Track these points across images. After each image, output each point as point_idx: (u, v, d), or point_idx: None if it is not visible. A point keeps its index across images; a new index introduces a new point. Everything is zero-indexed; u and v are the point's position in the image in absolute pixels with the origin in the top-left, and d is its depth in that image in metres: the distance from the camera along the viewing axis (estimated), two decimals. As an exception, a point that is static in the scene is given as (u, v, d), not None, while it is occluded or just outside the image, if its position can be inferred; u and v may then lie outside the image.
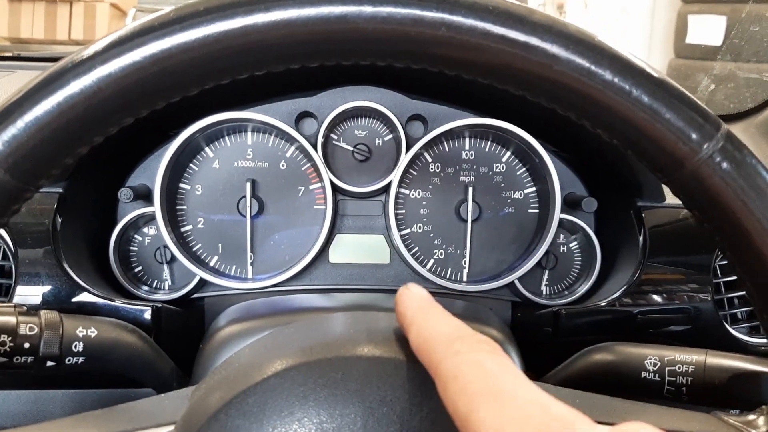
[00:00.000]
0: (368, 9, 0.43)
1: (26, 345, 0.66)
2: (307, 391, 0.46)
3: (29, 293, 0.81)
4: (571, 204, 0.97)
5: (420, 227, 1.00)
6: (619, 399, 0.55)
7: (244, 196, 0.96)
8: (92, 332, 0.69)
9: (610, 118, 0.47)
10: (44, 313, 0.68)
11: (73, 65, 0.44)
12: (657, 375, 0.70)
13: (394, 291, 0.98)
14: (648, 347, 0.72)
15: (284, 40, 0.44)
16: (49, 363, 0.67)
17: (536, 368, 0.79)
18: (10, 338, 0.65)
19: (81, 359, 0.68)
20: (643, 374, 0.70)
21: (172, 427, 0.47)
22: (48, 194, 0.85)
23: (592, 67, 0.45)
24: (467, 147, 0.99)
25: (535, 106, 0.95)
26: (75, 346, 0.68)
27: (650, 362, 0.71)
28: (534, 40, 0.44)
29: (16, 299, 0.80)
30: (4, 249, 0.83)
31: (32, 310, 0.69)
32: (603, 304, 0.87)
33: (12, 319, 0.66)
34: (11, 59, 1.37)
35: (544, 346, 0.91)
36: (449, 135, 0.97)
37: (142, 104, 0.47)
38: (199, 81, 0.47)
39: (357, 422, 0.45)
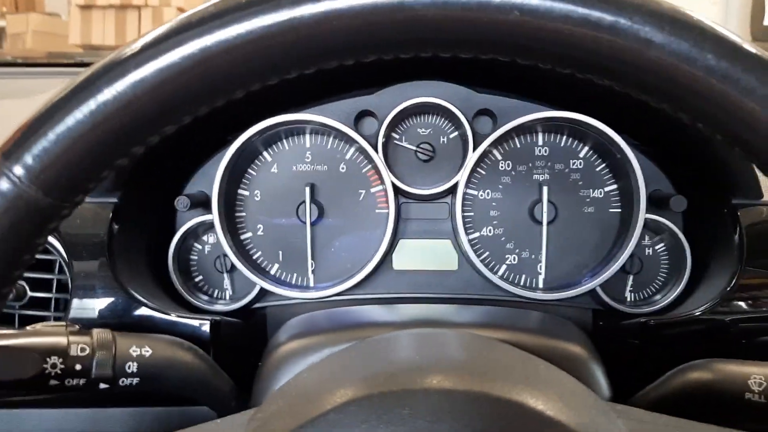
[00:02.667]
0: (427, -6, 0.38)
1: (78, 367, 0.63)
2: (371, 428, 0.41)
3: (84, 307, 0.78)
4: (656, 203, 0.89)
5: (490, 230, 0.93)
6: (725, 429, 0.48)
7: (304, 201, 0.91)
8: (146, 351, 0.66)
9: (715, 110, 0.39)
10: (96, 332, 0.65)
11: (105, 70, 0.40)
12: (763, 396, 0.63)
13: (463, 300, 0.93)
14: (751, 365, 0.64)
15: (335, 33, 0.39)
16: (102, 385, 0.64)
17: (622, 385, 0.72)
18: (61, 360, 0.62)
19: (135, 380, 0.65)
20: (747, 395, 0.63)
21: None
22: (103, 204, 0.82)
23: (694, 51, 0.38)
24: (540, 143, 0.92)
25: (615, 96, 0.87)
26: (129, 367, 0.65)
27: (755, 382, 0.64)
28: (623, 22, 0.38)
29: (72, 314, 0.78)
30: (59, 262, 0.81)
31: (84, 329, 0.66)
32: (698, 313, 0.79)
33: (63, 340, 0.63)
34: (73, 65, 1.37)
35: (630, 359, 0.83)
36: (520, 130, 0.90)
37: (183, 111, 0.42)
38: (243, 82, 0.43)
39: (427, 465, 0.40)
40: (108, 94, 0.39)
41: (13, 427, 0.80)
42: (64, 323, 0.66)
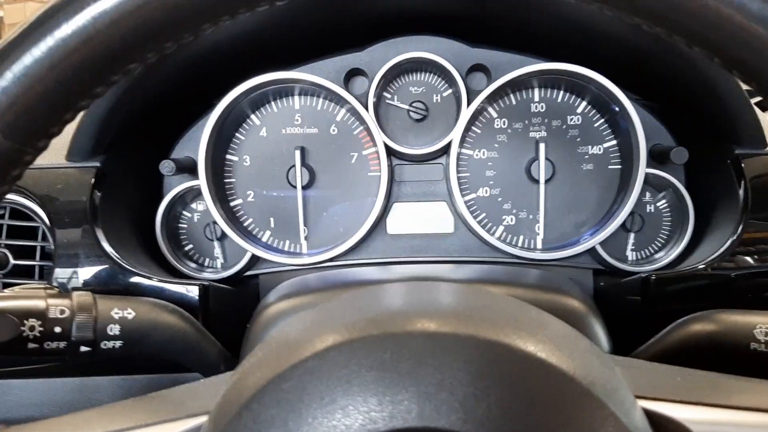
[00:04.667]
0: None
1: (57, 329, 0.61)
2: (351, 374, 0.39)
3: (69, 275, 0.76)
4: (657, 157, 0.86)
5: (486, 191, 0.90)
6: (729, 376, 0.46)
7: (294, 166, 0.89)
8: (129, 314, 0.64)
9: (719, 34, 0.37)
10: (76, 295, 0.63)
11: (63, 3, 0.38)
12: (769, 346, 0.60)
13: (459, 263, 0.91)
14: (756, 314, 0.62)
15: None
16: (83, 348, 0.62)
17: (624, 343, 0.69)
18: (39, 322, 0.60)
19: (118, 344, 0.63)
20: (753, 345, 0.61)
21: (205, 418, 0.42)
22: (85, 169, 0.80)
23: None
24: (536, 98, 0.89)
25: (612, 48, 0.84)
26: (110, 329, 0.63)
27: (761, 331, 0.61)
28: None
29: (56, 282, 0.76)
30: (42, 229, 0.79)
31: (64, 292, 0.64)
32: (701, 266, 0.76)
33: (41, 303, 0.61)
34: None
35: (632, 317, 0.81)
36: (515, 85, 0.87)
37: (146, 47, 0.40)
38: (209, 13, 0.40)
39: (411, 410, 0.37)
40: (66, 29, 0.37)
41: (-1, 398, 0.78)
42: (42, 285, 0.63)
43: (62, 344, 0.61)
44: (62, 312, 0.61)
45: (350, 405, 0.37)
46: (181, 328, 0.66)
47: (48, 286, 0.63)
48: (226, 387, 0.45)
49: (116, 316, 0.63)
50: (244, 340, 0.66)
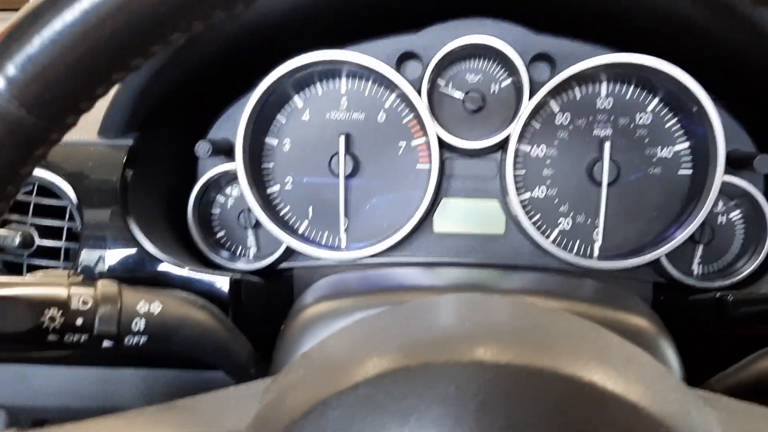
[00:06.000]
0: None
1: (79, 321, 0.56)
2: (408, 408, 0.33)
3: (95, 259, 0.71)
4: (735, 163, 0.78)
5: (543, 191, 0.84)
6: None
7: (337, 153, 0.83)
8: (156, 308, 0.59)
9: None
10: (101, 284, 0.58)
11: None
12: None
13: (510, 267, 0.85)
14: None
15: None
16: (106, 343, 0.57)
17: (690, 369, 0.62)
18: (60, 312, 0.55)
19: (142, 339, 0.58)
20: None
21: None
22: (117, 147, 0.75)
23: None
24: (603, 93, 0.82)
25: (690, 39, 0.77)
26: (135, 324, 0.58)
27: None
28: None
29: (81, 265, 0.71)
30: (70, 209, 0.74)
31: (89, 279, 0.59)
32: None
33: (63, 291, 0.56)
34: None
35: (699, 339, 0.74)
36: (581, 78, 0.80)
37: (192, 13, 0.34)
38: None
39: (478, 456, 0.32)
40: None
41: (18, 384, 0.74)
42: (66, 272, 0.59)
43: (84, 337, 0.56)
44: (85, 303, 0.56)
45: (406, 445, 0.32)
46: (210, 326, 0.61)
47: (72, 272, 0.59)
48: (262, 405, 0.40)
49: (142, 310, 0.58)
50: (278, 341, 0.61)
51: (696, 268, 0.83)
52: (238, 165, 0.80)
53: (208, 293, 0.70)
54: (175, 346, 0.60)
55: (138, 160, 0.76)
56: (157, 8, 0.33)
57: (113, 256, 0.71)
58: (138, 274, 0.70)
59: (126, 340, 0.57)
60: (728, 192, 0.81)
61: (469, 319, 0.44)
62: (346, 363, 0.39)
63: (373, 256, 0.83)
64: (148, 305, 0.58)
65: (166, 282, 0.70)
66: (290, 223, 0.86)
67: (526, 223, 0.81)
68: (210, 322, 0.61)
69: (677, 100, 0.79)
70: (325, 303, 0.61)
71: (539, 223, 0.84)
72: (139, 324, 0.58)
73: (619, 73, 0.80)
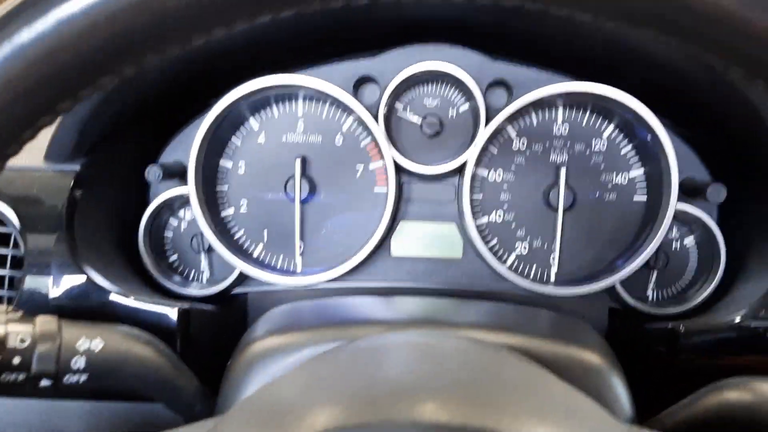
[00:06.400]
0: None
1: (16, 360, 0.54)
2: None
3: (38, 288, 0.69)
4: (689, 191, 0.79)
5: (500, 215, 0.83)
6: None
7: (293, 176, 0.82)
8: (97, 345, 0.57)
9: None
10: (40, 321, 0.56)
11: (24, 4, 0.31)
12: (815, 425, 0.53)
13: (466, 293, 0.84)
14: None
15: None
16: (44, 382, 0.55)
17: (640, 398, 0.62)
18: (-4, 351, 0.53)
19: (83, 377, 0.56)
20: None
21: None
22: (63, 172, 0.72)
23: None
24: (560, 120, 0.82)
25: (645, 69, 0.77)
26: (75, 362, 0.56)
27: (802, 406, 0.54)
28: None
29: (24, 294, 0.69)
30: (15, 235, 0.72)
31: (28, 316, 0.57)
32: (737, 319, 0.69)
33: (0, 329, 0.54)
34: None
35: (651, 367, 0.74)
36: (538, 105, 0.80)
37: (125, 57, 0.33)
38: (199, 23, 0.33)
39: None
40: (29, 33, 0.31)
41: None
42: (4, 308, 0.56)
43: (21, 376, 0.54)
44: (23, 341, 0.54)
45: None
46: (155, 363, 0.59)
47: (10, 308, 0.56)
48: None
49: (83, 348, 0.56)
50: (224, 378, 0.59)
51: (650, 294, 0.83)
52: (190, 188, 0.78)
53: (155, 324, 0.68)
54: (118, 383, 0.58)
55: (85, 185, 0.73)
56: (77, 52, 0.32)
57: (58, 285, 0.69)
58: (83, 304, 0.68)
59: (65, 378, 0.55)
60: (681, 219, 0.81)
61: (411, 365, 0.43)
62: (287, 414, 0.38)
63: (329, 281, 0.82)
64: (89, 342, 0.56)
65: (112, 312, 0.68)
66: (244, 247, 0.84)
67: (483, 248, 0.81)
68: (154, 358, 0.59)
69: (632, 128, 0.79)
70: (275, 337, 0.60)
71: (496, 247, 0.83)
72: (80, 362, 0.56)
73: (575, 100, 0.80)
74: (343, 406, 0.36)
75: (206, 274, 0.85)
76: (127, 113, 0.77)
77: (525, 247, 0.84)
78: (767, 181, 0.74)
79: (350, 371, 0.43)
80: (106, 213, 0.77)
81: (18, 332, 0.54)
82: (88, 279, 0.68)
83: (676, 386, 0.63)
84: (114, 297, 0.68)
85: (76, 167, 0.73)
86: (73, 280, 0.69)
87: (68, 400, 0.70)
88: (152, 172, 0.77)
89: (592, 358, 0.59)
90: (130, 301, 0.69)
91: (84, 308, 0.68)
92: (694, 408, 0.58)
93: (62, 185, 0.72)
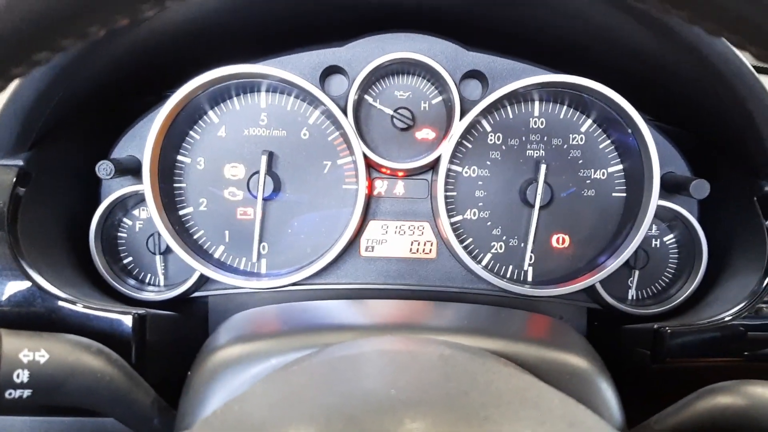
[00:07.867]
0: None
1: (-51, 375, 0.48)
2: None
3: (-24, 294, 0.62)
4: (670, 187, 0.76)
5: (475, 213, 0.80)
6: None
7: (257, 173, 0.77)
8: (42, 356, 0.51)
9: None
10: (-24, 331, 0.50)
11: None
12: (809, 427, 0.51)
13: (441, 294, 0.80)
14: None
15: None
16: (-19, 399, 0.49)
17: (634, 401, 0.59)
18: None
19: (26, 392, 0.50)
20: None
21: None
22: (5, 167, 0.66)
23: None
24: (536, 113, 0.79)
25: (627, 58, 0.74)
26: (18, 376, 0.50)
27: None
28: None
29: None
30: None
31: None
32: (726, 319, 0.66)
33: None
34: None
35: (638, 370, 0.71)
36: (514, 97, 0.77)
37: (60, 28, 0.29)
38: None
39: None
40: None
41: None
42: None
43: (-46, 393, 0.48)
44: (-44, 354, 0.48)
45: None
46: (107, 374, 0.54)
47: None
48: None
49: (26, 360, 0.50)
50: (183, 389, 0.54)
51: (631, 293, 0.80)
52: (145, 186, 0.73)
53: (108, 332, 0.62)
54: (66, 397, 0.52)
55: (30, 182, 0.67)
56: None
57: (0, 290, 0.63)
58: (27, 311, 0.62)
59: (6, 393, 0.49)
60: (662, 216, 0.79)
61: (387, 378, 0.39)
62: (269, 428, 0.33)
63: (295, 283, 0.77)
64: (32, 354, 0.51)
65: (60, 320, 0.62)
66: (204, 248, 0.79)
67: (457, 247, 0.77)
68: (106, 369, 0.54)
69: (611, 121, 0.76)
70: (238, 346, 0.55)
71: (471, 247, 0.80)
72: (23, 376, 0.50)
73: (552, 93, 0.77)
74: (320, 426, 0.32)
75: (163, 278, 0.79)
76: (75, 104, 0.71)
77: (501, 246, 0.80)
78: (750, 180, 0.72)
79: (324, 384, 0.39)
80: (53, 212, 0.71)
81: (-49, 344, 0.48)
82: (33, 283, 0.62)
83: (658, 388, 0.60)
84: (62, 303, 0.63)
85: (19, 162, 0.67)
86: (15, 285, 0.63)
87: (10, 416, 0.64)
88: (103, 168, 0.72)
89: (580, 363, 0.56)
90: (80, 308, 0.63)
91: (28, 316, 0.62)
92: (686, 412, 0.56)
93: (4, 181, 0.65)
